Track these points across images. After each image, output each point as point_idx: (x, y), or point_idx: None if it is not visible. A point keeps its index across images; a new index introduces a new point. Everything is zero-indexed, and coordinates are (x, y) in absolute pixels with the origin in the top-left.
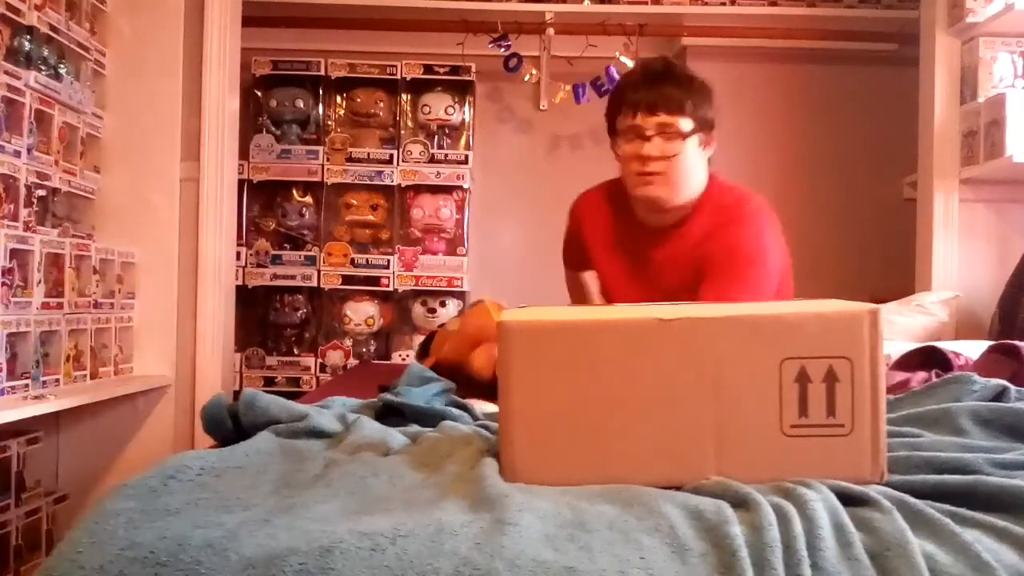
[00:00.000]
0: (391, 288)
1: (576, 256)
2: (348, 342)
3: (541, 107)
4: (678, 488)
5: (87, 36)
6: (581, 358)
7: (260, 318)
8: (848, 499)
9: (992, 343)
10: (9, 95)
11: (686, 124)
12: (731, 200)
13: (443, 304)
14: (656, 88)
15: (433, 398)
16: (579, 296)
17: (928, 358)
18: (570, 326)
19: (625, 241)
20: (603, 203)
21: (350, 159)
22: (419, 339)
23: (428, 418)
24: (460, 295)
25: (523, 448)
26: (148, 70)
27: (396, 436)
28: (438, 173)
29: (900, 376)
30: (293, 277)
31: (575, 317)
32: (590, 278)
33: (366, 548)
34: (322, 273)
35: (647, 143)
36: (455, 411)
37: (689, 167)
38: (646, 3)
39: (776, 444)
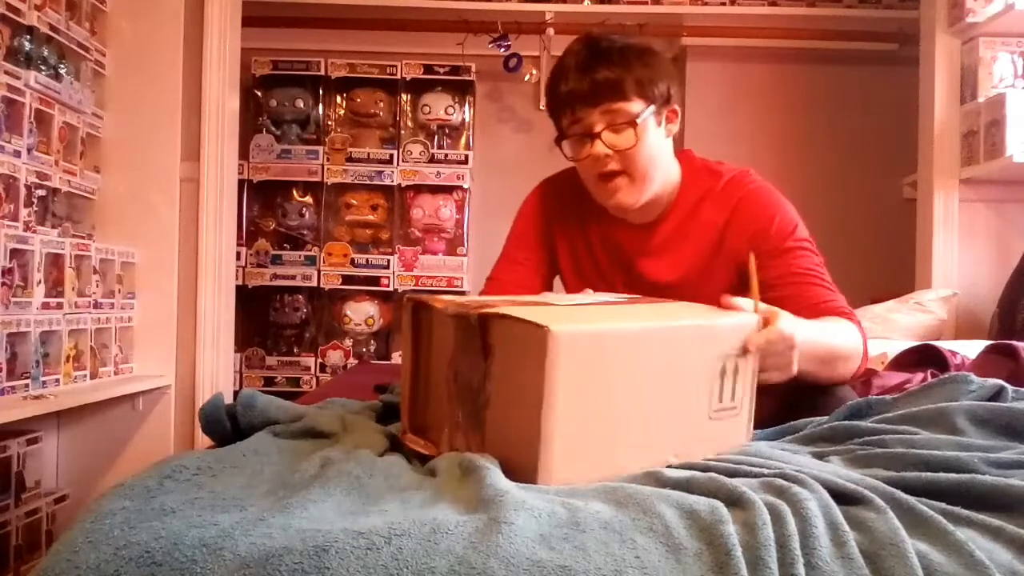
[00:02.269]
0: (391, 288)
1: (536, 256)
2: (348, 342)
3: (541, 107)
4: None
5: (87, 36)
6: (613, 363)
7: (260, 318)
8: (842, 498)
9: (990, 343)
10: (9, 95)
11: (635, 107)
12: (729, 175)
13: None
14: (589, 74)
15: None
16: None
17: (925, 357)
18: (615, 334)
19: (600, 249)
20: (565, 202)
21: (350, 159)
22: None
23: None
24: (460, 295)
25: (559, 452)
26: (148, 70)
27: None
28: (438, 173)
29: (899, 377)
30: (293, 277)
31: (612, 324)
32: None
33: (362, 547)
34: (322, 273)
35: (596, 141)
36: None
37: (652, 154)
38: (646, 3)
39: (706, 427)
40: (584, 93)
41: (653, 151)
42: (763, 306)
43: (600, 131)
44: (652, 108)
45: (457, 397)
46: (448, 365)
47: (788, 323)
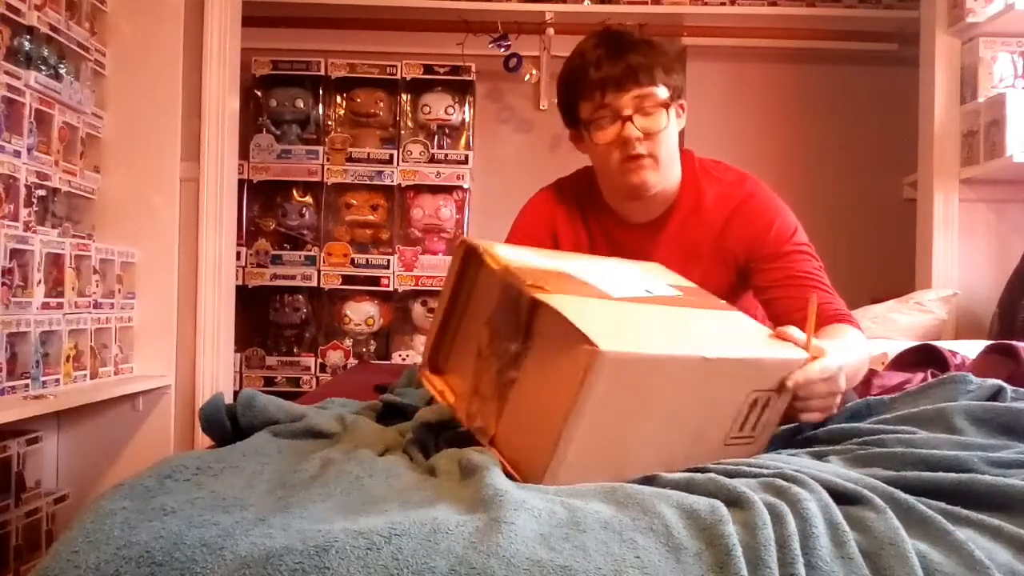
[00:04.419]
0: (391, 288)
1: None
2: (348, 342)
3: (541, 107)
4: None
5: (87, 36)
6: (652, 386)
7: (260, 318)
8: (841, 498)
9: (990, 343)
10: (9, 95)
11: (663, 92)
12: (729, 177)
13: None
14: (621, 60)
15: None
16: None
17: (925, 356)
18: (662, 360)
19: (604, 252)
20: (569, 206)
21: (350, 159)
22: (419, 339)
23: None
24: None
25: (571, 462)
26: (148, 70)
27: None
28: (438, 173)
29: (899, 377)
30: (293, 277)
31: (661, 345)
32: None
33: (362, 547)
34: (322, 273)
35: (628, 124)
36: None
37: (673, 142)
38: (646, 3)
39: (717, 451)
40: (617, 78)
41: (673, 138)
42: (815, 343)
43: (631, 115)
44: (673, 96)
45: (487, 361)
46: (486, 323)
47: (834, 363)
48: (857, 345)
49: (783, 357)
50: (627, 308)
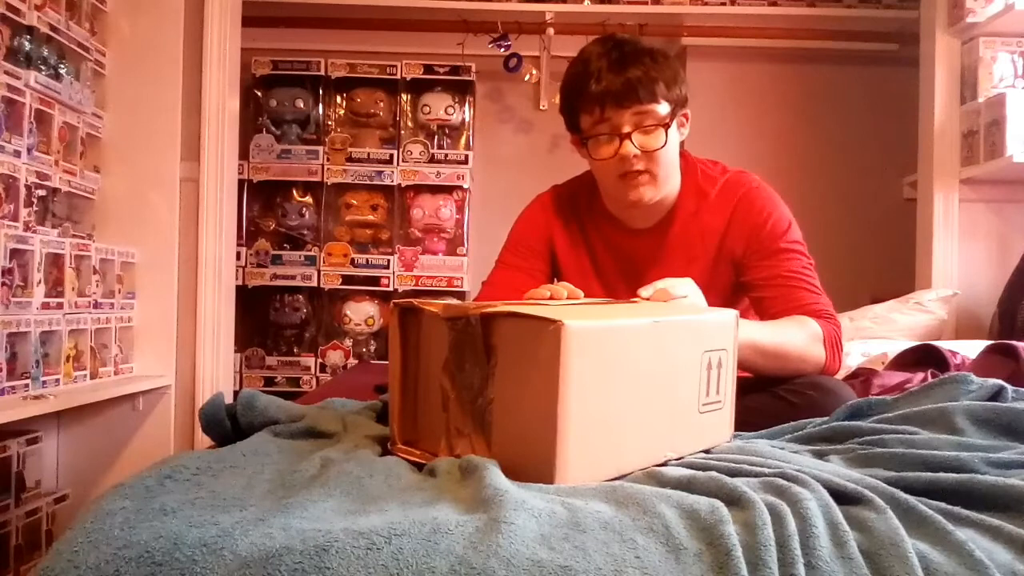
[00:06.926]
0: (391, 288)
1: (534, 264)
2: (348, 342)
3: (541, 107)
4: (662, 465)
5: (87, 36)
6: (619, 358)
7: (260, 318)
8: (842, 498)
9: (990, 343)
10: (9, 95)
11: (663, 109)
12: (728, 176)
13: None
14: (622, 74)
15: None
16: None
17: (925, 356)
18: (621, 328)
19: (605, 258)
20: (566, 213)
21: (350, 159)
22: None
23: None
24: (460, 295)
25: (574, 449)
26: (148, 70)
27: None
28: (438, 173)
29: (900, 377)
30: (293, 277)
31: (613, 320)
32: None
33: (362, 547)
34: (322, 273)
35: (626, 141)
36: None
37: (672, 155)
38: (646, 3)
39: (696, 420)
40: (617, 93)
41: (672, 152)
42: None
43: (630, 132)
44: (675, 110)
45: (457, 402)
46: (442, 370)
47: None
48: (788, 327)
49: (718, 316)
50: (571, 306)
